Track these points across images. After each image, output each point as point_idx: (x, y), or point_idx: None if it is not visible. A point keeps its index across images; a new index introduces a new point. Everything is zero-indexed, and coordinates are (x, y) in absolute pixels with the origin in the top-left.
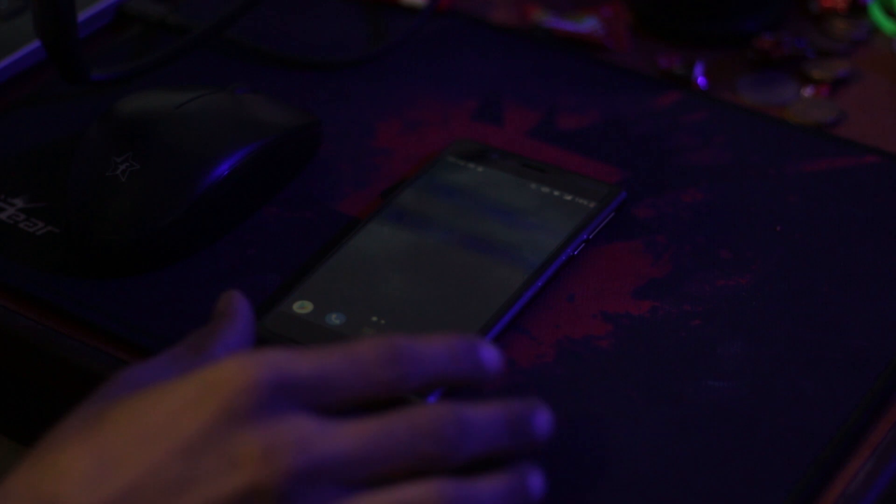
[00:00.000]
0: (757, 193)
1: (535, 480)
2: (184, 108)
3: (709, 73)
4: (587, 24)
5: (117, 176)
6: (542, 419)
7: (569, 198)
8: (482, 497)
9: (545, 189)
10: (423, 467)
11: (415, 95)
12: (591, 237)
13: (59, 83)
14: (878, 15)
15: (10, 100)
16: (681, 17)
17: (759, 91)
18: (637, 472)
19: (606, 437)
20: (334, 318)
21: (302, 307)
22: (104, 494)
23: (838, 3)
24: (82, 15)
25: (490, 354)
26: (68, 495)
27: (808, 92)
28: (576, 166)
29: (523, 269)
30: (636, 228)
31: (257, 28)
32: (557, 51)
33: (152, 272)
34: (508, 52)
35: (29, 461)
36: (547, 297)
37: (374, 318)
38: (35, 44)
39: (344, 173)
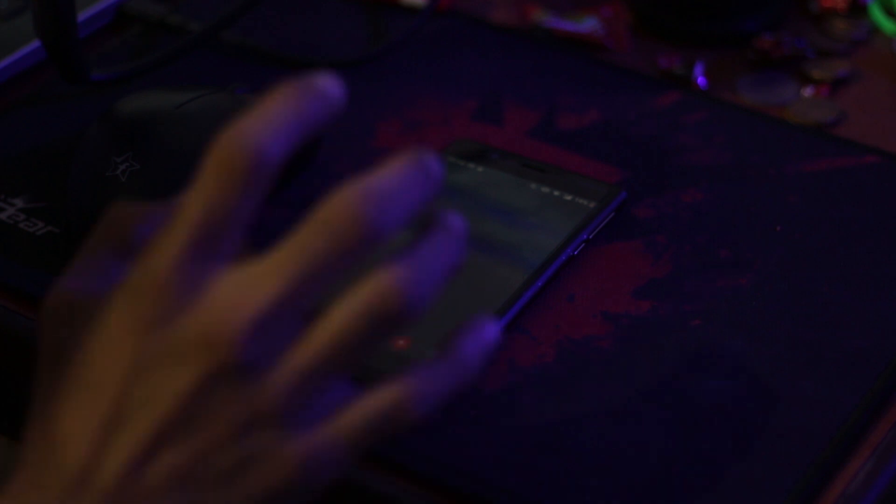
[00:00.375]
0: (757, 193)
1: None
2: (184, 108)
3: (709, 73)
4: (587, 24)
5: (117, 176)
6: (434, 160)
7: (569, 198)
8: (432, 257)
9: (545, 189)
10: (360, 257)
11: (415, 95)
12: (591, 237)
13: (59, 83)
14: (878, 15)
15: (10, 100)
16: (681, 17)
17: (759, 91)
18: (637, 472)
19: (606, 437)
20: None
21: None
22: (93, 424)
23: (838, 3)
24: (82, 15)
25: (435, 162)
26: (66, 433)
27: (808, 92)
28: (576, 166)
29: (523, 269)
30: (636, 228)
31: (257, 28)
32: (557, 51)
33: None
34: (508, 52)
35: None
36: (547, 297)
37: None
38: (35, 44)
39: (344, 173)
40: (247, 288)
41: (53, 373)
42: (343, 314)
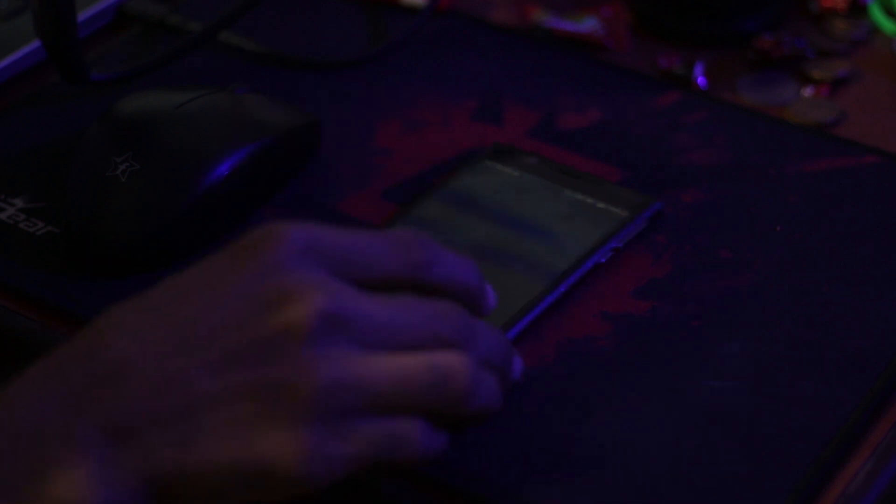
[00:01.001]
0: (757, 193)
1: (518, 364)
2: (184, 108)
3: (709, 73)
4: (587, 24)
5: (117, 176)
6: (518, 363)
7: (602, 206)
8: (490, 381)
9: (579, 196)
10: (447, 339)
11: (415, 95)
12: (621, 245)
13: (59, 83)
14: (878, 15)
15: (10, 100)
16: (681, 17)
17: (759, 91)
18: (637, 472)
19: (606, 437)
20: None
21: None
22: (149, 341)
23: (838, 3)
24: (82, 15)
25: (491, 294)
26: (118, 347)
27: (808, 92)
28: (576, 166)
29: (549, 273)
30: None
31: (257, 28)
32: (557, 51)
33: (152, 272)
34: (508, 52)
35: (78, 336)
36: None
37: None
38: (35, 44)
39: (344, 173)
40: (348, 292)
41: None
42: (414, 357)
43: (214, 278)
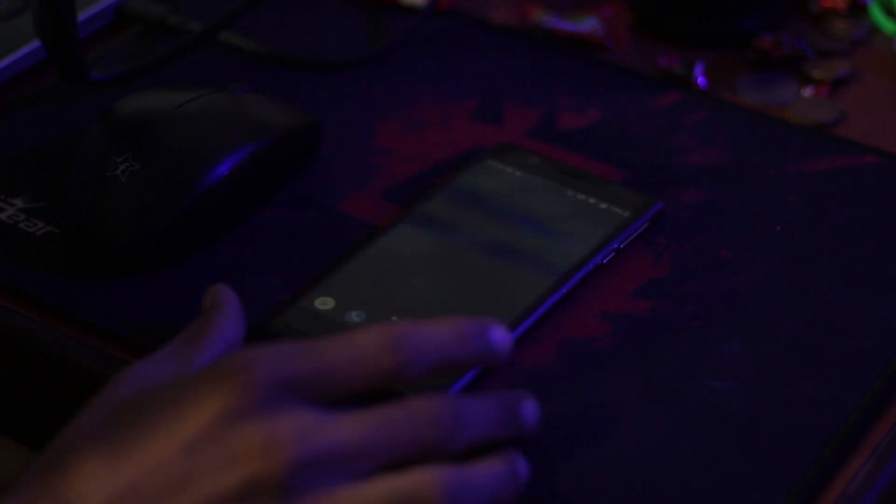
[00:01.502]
0: (757, 193)
1: (522, 466)
2: (184, 108)
3: (709, 73)
4: (587, 24)
5: (117, 176)
6: (531, 409)
7: (604, 206)
8: (478, 481)
9: (581, 196)
10: (421, 455)
11: (415, 95)
12: (622, 246)
13: (59, 83)
14: (878, 15)
15: (10, 100)
16: (681, 17)
17: (759, 91)
18: (637, 471)
19: (606, 437)
20: (354, 316)
21: (324, 303)
22: (111, 490)
23: (838, 3)
24: (82, 15)
25: (498, 335)
26: (78, 492)
27: (808, 92)
28: (576, 166)
29: (550, 274)
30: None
31: (257, 28)
32: (557, 51)
33: (152, 272)
34: (508, 52)
35: (42, 461)
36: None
37: (395, 318)
38: (35, 44)
39: (344, 173)
40: (320, 426)
41: (99, 422)
42: (381, 488)
43: (179, 419)
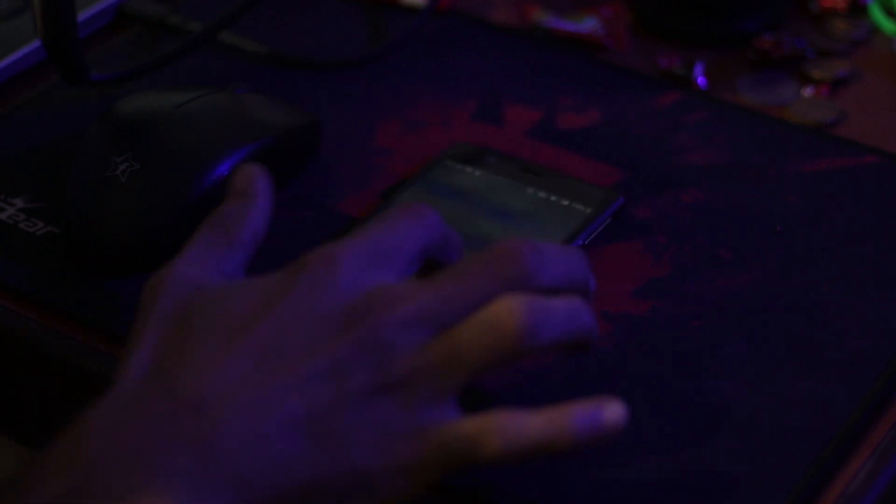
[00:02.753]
0: (757, 193)
1: (593, 313)
2: (184, 108)
3: (709, 73)
4: (587, 24)
5: (117, 176)
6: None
7: (566, 202)
8: (558, 309)
9: (542, 193)
10: (508, 289)
11: (415, 95)
12: (586, 242)
13: (59, 83)
14: (878, 15)
15: (10, 100)
16: (681, 17)
17: (759, 91)
18: (637, 471)
19: None
20: None
21: None
22: (228, 371)
23: (838, 3)
24: (82, 15)
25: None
26: (195, 383)
27: (808, 92)
28: (576, 166)
29: None
30: (636, 228)
31: (257, 28)
32: (557, 51)
33: (152, 272)
34: (508, 52)
35: (153, 367)
36: None
37: None
38: (35, 44)
39: (344, 173)
40: (406, 292)
41: (167, 329)
42: (470, 324)
43: (269, 303)
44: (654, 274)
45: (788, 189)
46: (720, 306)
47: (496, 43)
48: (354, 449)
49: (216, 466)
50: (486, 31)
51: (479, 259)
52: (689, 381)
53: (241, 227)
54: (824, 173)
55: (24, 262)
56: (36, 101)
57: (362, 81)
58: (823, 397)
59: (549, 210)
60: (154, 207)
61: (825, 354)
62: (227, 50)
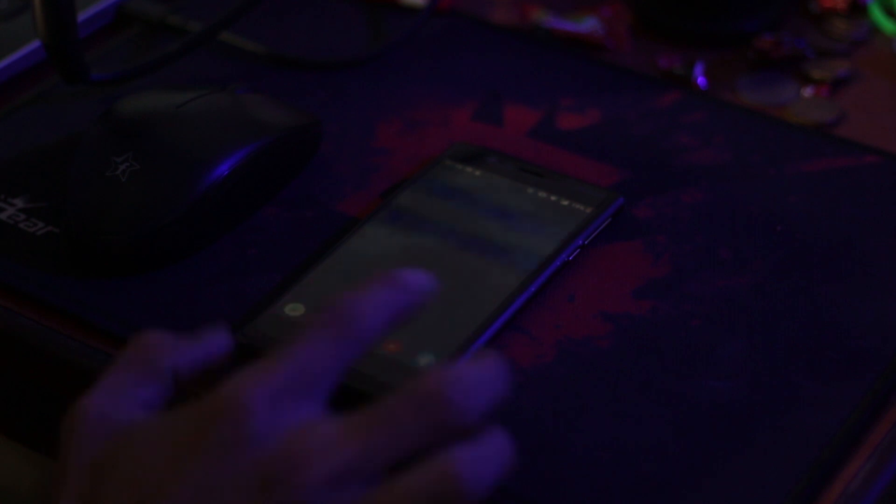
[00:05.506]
0: (757, 193)
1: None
2: (184, 108)
3: (709, 73)
4: (587, 24)
5: (117, 176)
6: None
7: (566, 202)
8: (489, 452)
9: (542, 194)
10: (438, 438)
11: (415, 95)
12: (586, 242)
13: (59, 83)
14: (878, 15)
15: (10, 100)
16: (681, 17)
17: (759, 91)
18: (637, 472)
19: (606, 437)
20: None
21: (294, 309)
22: None
23: (838, 3)
24: (82, 15)
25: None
26: None
27: (808, 92)
28: (576, 166)
29: (518, 273)
30: (636, 228)
31: (257, 28)
32: (557, 51)
33: (152, 272)
34: (508, 52)
35: None
36: (547, 298)
37: None
38: (35, 44)
39: (344, 173)
40: (329, 441)
41: (82, 481)
42: (401, 492)
43: (183, 462)
44: (654, 274)
45: (788, 189)
46: (720, 306)
47: (496, 43)
48: None
49: None
50: (486, 31)
51: (408, 402)
52: (688, 381)
53: (164, 356)
54: (824, 173)
55: (24, 262)
56: (36, 101)
57: (362, 81)
58: (823, 397)
59: (549, 210)
60: (154, 207)
61: (825, 354)
62: (227, 50)
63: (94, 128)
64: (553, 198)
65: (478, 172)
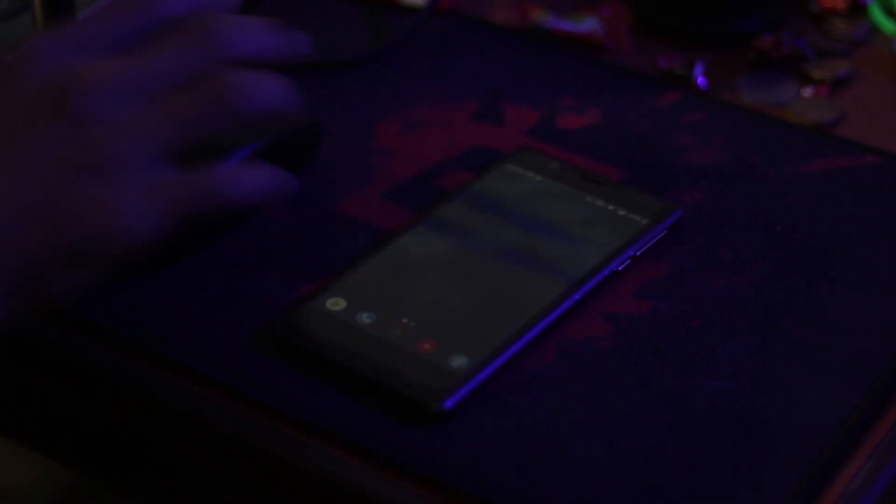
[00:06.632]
0: (757, 193)
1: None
2: None
3: (709, 73)
4: (587, 24)
5: None
6: (303, 38)
7: (623, 212)
8: (267, 81)
9: (600, 202)
10: (209, 59)
11: (415, 95)
12: (638, 253)
13: None
14: (878, 15)
15: None
16: (681, 17)
17: (759, 91)
18: (637, 472)
19: (606, 437)
20: (365, 317)
21: (335, 304)
22: None
23: (838, 3)
24: (82, 15)
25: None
26: None
27: (808, 92)
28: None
29: (563, 281)
30: None
31: None
32: (557, 51)
33: (153, 272)
34: (508, 52)
35: None
36: None
37: (405, 320)
38: None
39: (344, 173)
40: (110, 64)
41: None
42: (184, 95)
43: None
44: (654, 274)
45: (788, 189)
46: (720, 306)
47: (496, 43)
48: (79, 221)
49: None
50: (486, 31)
51: (177, 33)
52: (689, 381)
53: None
54: (824, 173)
55: None
56: None
57: (362, 81)
58: (823, 397)
59: (605, 219)
60: None
61: (825, 354)
62: None
63: None
64: (611, 207)
65: (538, 178)
